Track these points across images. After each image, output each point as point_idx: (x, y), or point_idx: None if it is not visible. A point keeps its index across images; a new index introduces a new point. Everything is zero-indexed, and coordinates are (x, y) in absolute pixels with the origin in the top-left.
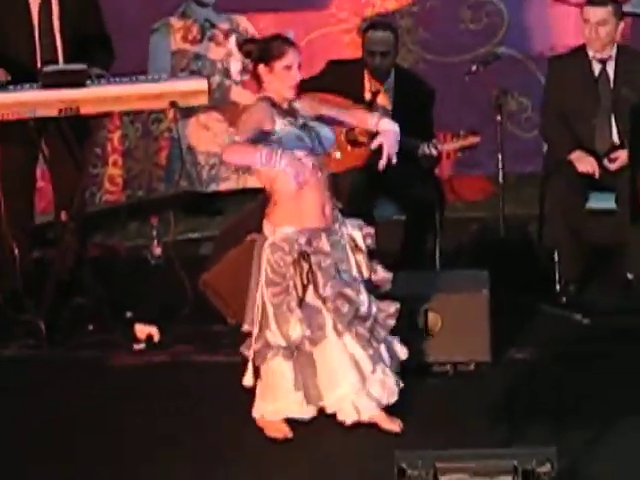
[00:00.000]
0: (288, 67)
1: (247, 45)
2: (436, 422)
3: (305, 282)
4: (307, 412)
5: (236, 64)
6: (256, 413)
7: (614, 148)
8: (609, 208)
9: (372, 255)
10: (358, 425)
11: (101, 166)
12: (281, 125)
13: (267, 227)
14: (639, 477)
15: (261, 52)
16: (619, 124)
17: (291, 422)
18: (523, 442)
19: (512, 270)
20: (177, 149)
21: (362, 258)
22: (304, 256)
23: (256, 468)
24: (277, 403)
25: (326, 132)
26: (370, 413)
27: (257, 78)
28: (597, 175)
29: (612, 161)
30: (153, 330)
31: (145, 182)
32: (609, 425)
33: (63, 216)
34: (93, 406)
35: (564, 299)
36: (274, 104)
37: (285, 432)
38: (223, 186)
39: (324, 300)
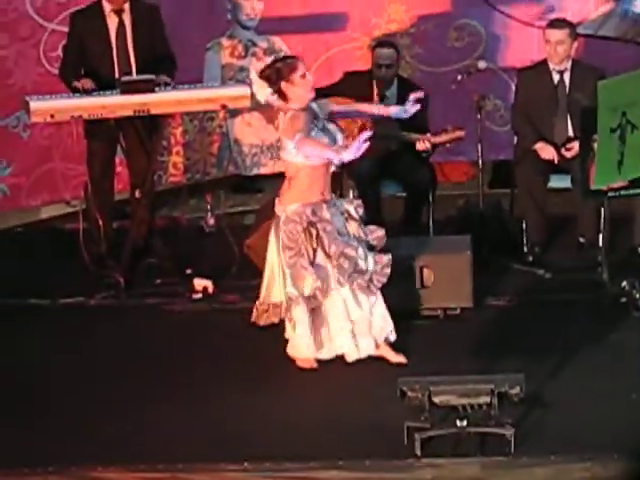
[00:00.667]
0: (303, 75)
1: (264, 72)
2: (430, 355)
3: (315, 246)
4: (318, 353)
5: (263, 91)
6: (289, 350)
7: (569, 140)
8: (566, 187)
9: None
10: (368, 359)
11: (167, 155)
12: (315, 127)
13: (278, 208)
14: (591, 399)
15: (278, 73)
16: (573, 121)
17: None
18: (498, 370)
19: (489, 236)
20: (226, 141)
21: (357, 224)
22: (312, 224)
23: (287, 391)
24: (297, 344)
25: (338, 133)
26: (369, 352)
27: (282, 95)
28: (556, 161)
29: (568, 150)
30: (208, 283)
31: (201, 167)
32: (568, 358)
33: (137, 194)
34: (161, 343)
35: (530, 258)
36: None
37: (312, 364)
38: (262, 170)
39: (330, 259)
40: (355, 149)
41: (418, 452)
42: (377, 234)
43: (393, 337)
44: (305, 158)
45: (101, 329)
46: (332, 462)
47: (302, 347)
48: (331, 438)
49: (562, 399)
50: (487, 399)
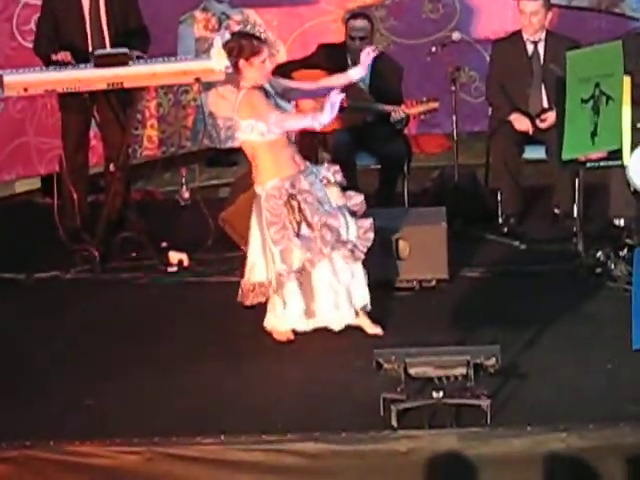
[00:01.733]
0: (263, 61)
1: (228, 44)
2: (405, 327)
3: (298, 218)
4: (307, 325)
5: (221, 60)
6: (267, 323)
7: (544, 111)
8: (540, 158)
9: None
10: (345, 330)
11: (141, 128)
12: (273, 103)
13: (257, 188)
14: (567, 370)
15: (240, 49)
16: (548, 92)
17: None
18: (474, 342)
19: (464, 207)
20: (201, 114)
21: (337, 190)
22: (292, 197)
23: (263, 364)
24: (285, 316)
25: (288, 107)
26: (350, 321)
27: (237, 70)
28: (531, 132)
29: (543, 121)
30: (183, 256)
31: (176, 141)
32: (542, 329)
33: (111, 168)
34: (137, 316)
35: (505, 229)
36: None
37: (289, 336)
38: (237, 143)
39: (313, 229)
40: (329, 110)
41: (394, 424)
42: (356, 200)
43: (369, 307)
44: (260, 135)
45: (77, 303)
46: (308, 434)
47: (294, 321)
48: (307, 410)
49: (538, 370)
50: (463, 370)
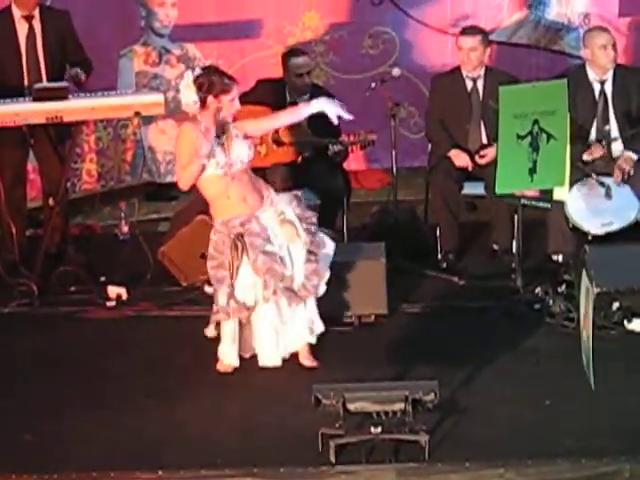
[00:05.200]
0: (232, 100)
1: (199, 79)
2: (344, 362)
3: (240, 259)
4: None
5: (189, 94)
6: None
7: (483, 147)
8: (479, 194)
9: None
10: (284, 365)
11: (80, 162)
12: (211, 143)
13: (214, 221)
14: (506, 405)
15: (210, 86)
16: (487, 128)
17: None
18: (413, 377)
19: (404, 243)
20: (140, 149)
21: (290, 228)
22: (239, 237)
23: (202, 398)
24: (223, 349)
25: (240, 149)
26: (284, 357)
27: (204, 105)
28: (470, 168)
29: (482, 157)
30: (122, 291)
31: (115, 175)
32: (480, 365)
33: (50, 202)
34: (76, 351)
35: (444, 265)
36: (201, 124)
37: (227, 368)
38: (176, 178)
39: (257, 272)
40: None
41: (332, 459)
42: (311, 218)
43: (313, 340)
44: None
45: (15, 337)
46: (247, 469)
47: (225, 357)
48: (246, 445)
49: (477, 405)
50: (401, 406)
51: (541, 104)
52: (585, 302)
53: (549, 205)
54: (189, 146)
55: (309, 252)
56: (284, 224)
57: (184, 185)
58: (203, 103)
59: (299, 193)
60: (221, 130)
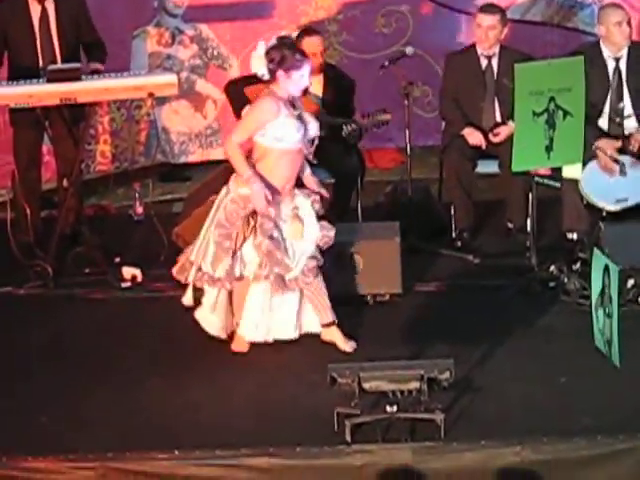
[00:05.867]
0: (302, 75)
1: (271, 52)
2: (359, 341)
3: (247, 235)
4: (222, 333)
5: (260, 65)
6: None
7: (497, 125)
8: (493, 172)
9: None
10: (299, 344)
11: (94, 143)
12: (283, 117)
13: (233, 183)
14: (521, 383)
15: (282, 60)
16: (501, 106)
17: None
18: (428, 356)
19: (418, 222)
20: (154, 129)
21: (299, 227)
22: (253, 214)
23: (217, 378)
24: (200, 315)
25: (313, 123)
26: (274, 337)
27: (274, 78)
28: (484, 146)
29: (496, 135)
30: (137, 272)
31: (129, 156)
32: (495, 343)
33: (65, 183)
34: (91, 332)
35: (459, 244)
36: (280, 98)
37: (242, 348)
38: (190, 158)
39: (257, 251)
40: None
41: (348, 438)
42: (328, 234)
43: (293, 336)
44: (275, 140)
45: (30, 319)
46: (263, 449)
47: (204, 323)
48: (262, 425)
49: (492, 384)
50: (417, 385)
51: (557, 81)
52: (598, 280)
53: (559, 184)
54: (261, 116)
55: (318, 249)
56: (294, 220)
57: (231, 147)
58: (272, 75)
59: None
60: (291, 105)
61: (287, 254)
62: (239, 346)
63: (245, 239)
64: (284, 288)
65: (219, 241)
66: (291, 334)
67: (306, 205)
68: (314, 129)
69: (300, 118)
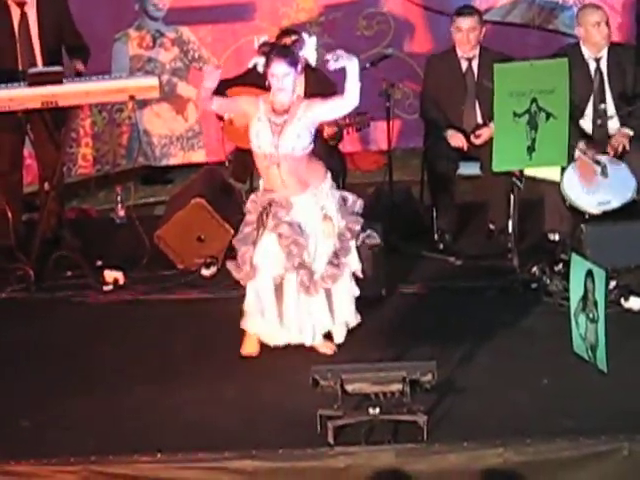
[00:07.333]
0: (272, 75)
1: (262, 47)
2: (342, 343)
3: (263, 228)
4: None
5: (314, 58)
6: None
7: (478, 127)
8: (475, 174)
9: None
10: (281, 347)
11: (76, 146)
12: (257, 119)
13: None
14: (503, 385)
15: (265, 56)
16: (482, 108)
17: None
18: (410, 358)
19: (400, 224)
20: (135, 132)
21: (330, 225)
22: (269, 205)
23: (199, 381)
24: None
25: (290, 140)
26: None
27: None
28: (465, 148)
29: (477, 137)
30: (119, 275)
31: (111, 159)
32: (478, 345)
33: (46, 187)
34: (73, 336)
35: (441, 246)
36: (266, 100)
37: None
38: (172, 161)
39: (280, 240)
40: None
41: (331, 440)
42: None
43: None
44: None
45: (12, 322)
46: (246, 452)
47: (245, 323)
48: (244, 427)
49: (474, 385)
50: (399, 386)
51: (539, 83)
52: (579, 286)
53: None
54: (241, 99)
55: (335, 255)
56: (326, 219)
57: (214, 105)
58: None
59: (348, 195)
60: (280, 114)
61: (308, 252)
62: (249, 349)
63: (263, 232)
64: (307, 290)
65: (241, 237)
66: (299, 337)
67: (330, 207)
68: (286, 146)
69: (280, 128)
